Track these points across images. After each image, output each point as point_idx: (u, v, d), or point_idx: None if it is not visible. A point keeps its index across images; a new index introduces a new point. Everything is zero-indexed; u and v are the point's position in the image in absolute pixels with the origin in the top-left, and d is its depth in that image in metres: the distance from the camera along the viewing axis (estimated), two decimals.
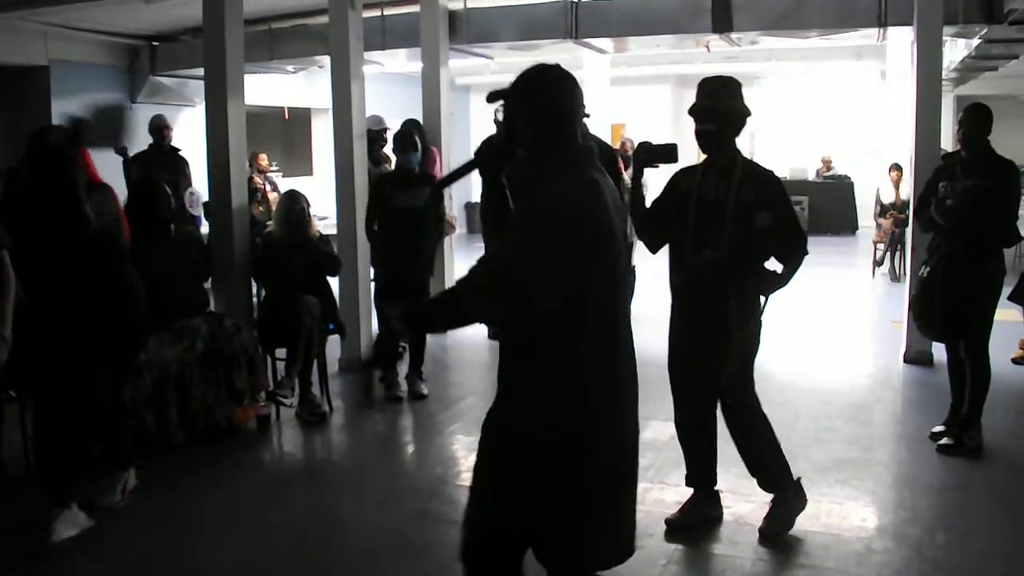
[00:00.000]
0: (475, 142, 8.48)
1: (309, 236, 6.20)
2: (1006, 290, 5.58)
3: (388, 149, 7.88)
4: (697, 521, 4.27)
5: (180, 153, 8.97)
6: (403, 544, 4.22)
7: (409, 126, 7.89)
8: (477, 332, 8.42)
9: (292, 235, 6.11)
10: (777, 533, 4.15)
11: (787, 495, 4.21)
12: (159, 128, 8.97)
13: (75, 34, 9.71)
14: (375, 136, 7.86)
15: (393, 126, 7.63)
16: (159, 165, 8.49)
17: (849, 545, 4.11)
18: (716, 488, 4.33)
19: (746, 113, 4.10)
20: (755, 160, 4.15)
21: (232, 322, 5.73)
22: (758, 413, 4.18)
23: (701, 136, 4.09)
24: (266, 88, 9.86)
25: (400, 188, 6.43)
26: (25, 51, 9.50)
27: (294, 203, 6.15)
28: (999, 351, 6.33)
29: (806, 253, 4.05)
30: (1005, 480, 4.89)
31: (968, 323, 5.08)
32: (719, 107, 4.05)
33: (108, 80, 10.61)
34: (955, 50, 10.01)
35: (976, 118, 5.15)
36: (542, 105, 2.58)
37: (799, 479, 4.23)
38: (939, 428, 5.34)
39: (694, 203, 4.07)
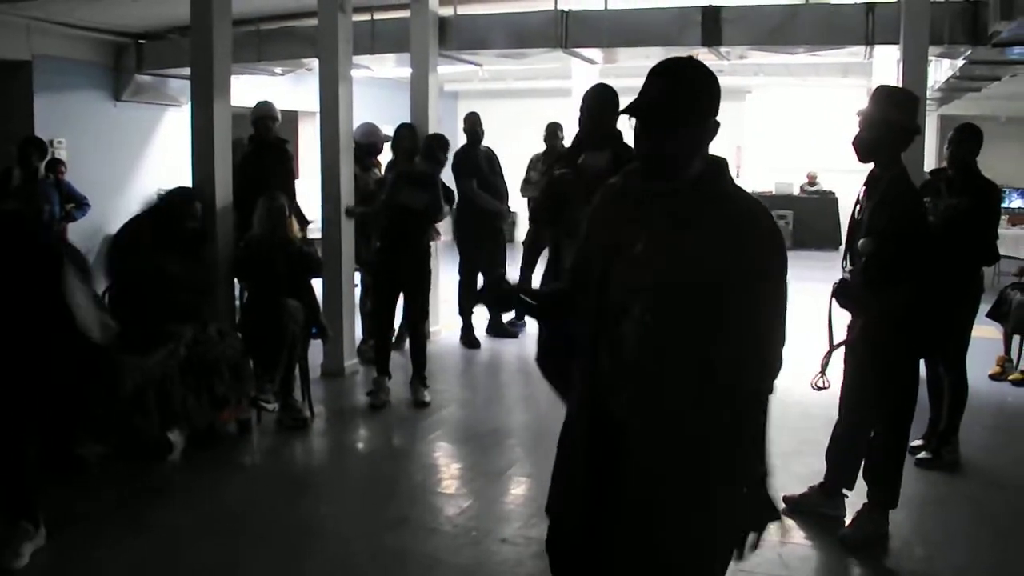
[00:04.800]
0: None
1: (290, 237, 6.19)
2: (984, 308, 5.64)
3: (381, 156, 7.90)
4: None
5: (288, 146, 7.86)
6: (383, 551, 4.20)
7: (402, 129, 7.89)
8: (454, 341, 8.45)
9: (273, 235, 6.09)
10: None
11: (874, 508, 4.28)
12: (264, 118, 7.54)
13: (59, 29, 9.61)
14: (370, 147, 7.84)
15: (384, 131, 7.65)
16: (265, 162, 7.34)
17: (829, 557, 4.14)
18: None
19: (910, 128, 4.11)
20: (902, 178, 4.09)
21: (216, 328, 5.69)
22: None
23: (854, 143, 4.16)
24: (253, 90, 9.81)
25: (406, 187, 6.47)
26: (7, 45, 9.39)
27: (273, 202, 6.13)
28: (977, 367, 6.38)
29: (922, 276, 4.03)
30: (982, 494, 4.94)
31: (946, 339, 5.11)
32: (878, 116, 4.08)
33: (92, 77, 10.53)
34: (939, 70, 10.09)
35: (965, 138, 5.26)
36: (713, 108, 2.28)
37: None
38: (918, 442, 5.36)
39: (850, 218, 4.31)
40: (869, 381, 4.19)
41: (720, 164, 2.29)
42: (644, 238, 2.25)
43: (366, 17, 8.99)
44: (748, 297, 2.18)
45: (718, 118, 2.24)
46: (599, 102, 4.38)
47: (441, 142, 6.94)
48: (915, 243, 4.03)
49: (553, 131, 8.74)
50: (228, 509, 4.73)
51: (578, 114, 4.46)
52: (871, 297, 4.06)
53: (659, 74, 2.22)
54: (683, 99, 2.18)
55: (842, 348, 4.29)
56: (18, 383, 3.97)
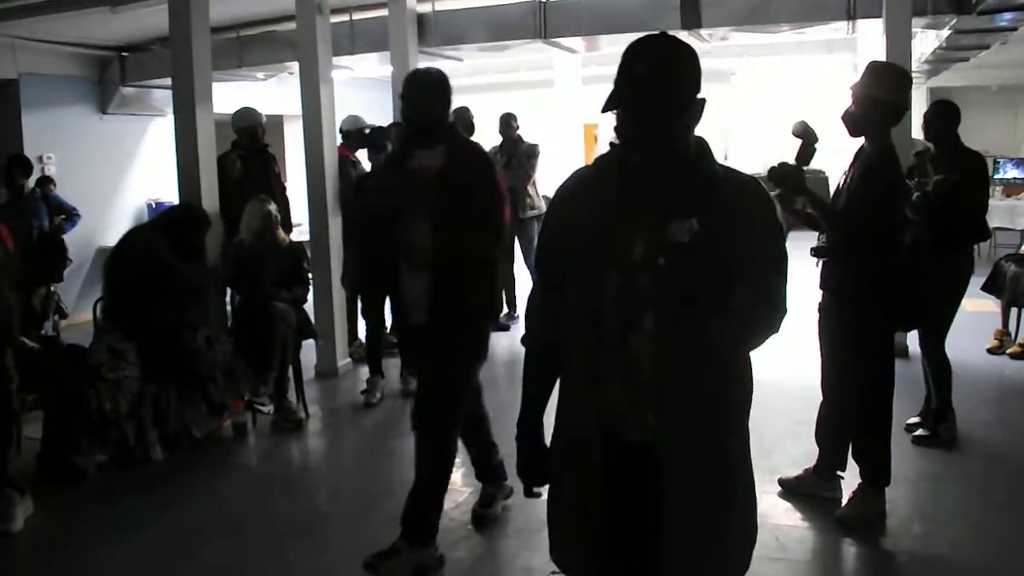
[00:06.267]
0: None
1: (278, 242, 6.19)
2: (979, 281, 5.59)
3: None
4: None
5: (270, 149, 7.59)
6: (380, 547, 4.18)
7: (393, 128, 7.85)
8: None
9: (262, 239, 6.09)
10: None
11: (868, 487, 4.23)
12: (255, 127, 7.32)
13: (44, 46, 9.59)
14: (359, 134, 7.68)
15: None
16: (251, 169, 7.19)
17: (825, 538, 4.12)
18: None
19: (896, 103, 4.06)
20: (888, 152, 4.06)
21: (205, 334, 5.69)
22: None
23: (843, 119, 4.12)
24: (238, 96, 9.81)
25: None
26: None
27: (261, 207, 6.13)
28: (975, 342, 6.37)
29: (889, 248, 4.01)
30: (980, 470, 4.92)
31: (928, 314, 5.05)
32: (866, 92, 4.04)
33: (78, 92, 10.50)
34: (926, 41, 10.01)
35: (941, 113, 5.28)
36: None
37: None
38: (914, 419, 5.36)
39: (835, 190, 4.27)
40: (846, 358, 4.17)
41: (704, 145, 2.13)
42: (643, 238, 2.04)
43: (344, 18, 8.98)
44: (762, 272, 2.08)
45: (702, 95, 2.06)
46: (427, 90, 3.85)
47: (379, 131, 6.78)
48: (884, 213, 3.99)
49: (507, 121, 8.73)
50: (226, 511, 4.75)
51: (401, 105, 3.89)
52: (802, 175, 4.05)
53: (636, 55, 2.04)
54: (668, 77, 2.01)
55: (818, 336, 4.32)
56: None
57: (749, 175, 2.14)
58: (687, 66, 2.04)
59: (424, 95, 3.81)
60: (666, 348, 2.04)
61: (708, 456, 2.11)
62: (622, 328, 2.06)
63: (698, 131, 2.13)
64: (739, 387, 2.18)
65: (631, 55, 2.04)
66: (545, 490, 2.33)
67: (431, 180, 3.72)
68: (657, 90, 2.00)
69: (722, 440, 2.14)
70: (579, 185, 2.24)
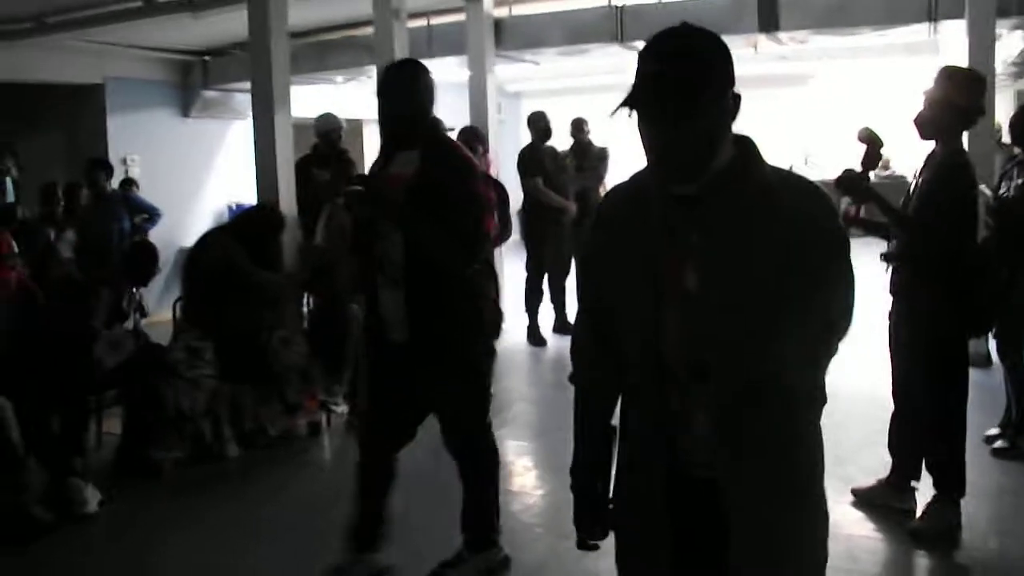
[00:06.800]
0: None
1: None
2: None
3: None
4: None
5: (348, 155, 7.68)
6: (451, 549, 4.20)
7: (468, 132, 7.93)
8: (521, 339, 8.44)
9: (337, 243, 6.19)
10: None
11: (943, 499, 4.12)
12: (331, 131, 7.49)
13: (129, 51, 9.93)
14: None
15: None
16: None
17: (897, 549, 4.05)
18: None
19: (968, 107, 3.98)
20: (957, 154, 4.01)
21: (280, 335, 5.80)
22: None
23: (915, 122, 4.07)
24: (318, 99, 9.97)
25: None
26: (80, 70, 9.75)
27: (335, 215, 6.24)
28: None
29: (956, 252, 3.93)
30: None
31: (1004, 321, 4.84)
32: (937, 95, 4.00)
33: (162, 95, 10.83)
34: (1013, 43, 9.75)
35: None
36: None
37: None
38: (994, 431, 5.22)
39: (905, 195, 4.21)
40: (917, 366, 4.09)
41: (749, 144, 1.84)
42: (691, 266, 1.80)
43: (423, 22, 9.09)
44: (828, 282, 1.85)
45: (736, 89, 1.76)
46: (402, 86, 3.43)
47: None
48: (954, 217, 3.91)
49: (578, 125, 8.75)
50: (300, 508, 4.82)
51: (378, 105, 3.47)
52: (868, 184, 4.01)
53: (654, 50, 1.74)
54: (692, 70, 1.68)
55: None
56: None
57: (805, 178, 1.89)
58: (715, 53, 1.74)
59: (399, 91, 3.44)
60: (734, 385, 1.83)
61: (780, 485, 1.89)
62: (689, 369, 1.85)
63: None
64: (809, 409, 1.97)
65: (644, 51, 1.75)
66: (603, 542, 2.16)
67: (402, 187, 3.38)
68: (681, 84, 1.67)
69: (793, 466, 1.92)
70: (619, 203, 1.99)
